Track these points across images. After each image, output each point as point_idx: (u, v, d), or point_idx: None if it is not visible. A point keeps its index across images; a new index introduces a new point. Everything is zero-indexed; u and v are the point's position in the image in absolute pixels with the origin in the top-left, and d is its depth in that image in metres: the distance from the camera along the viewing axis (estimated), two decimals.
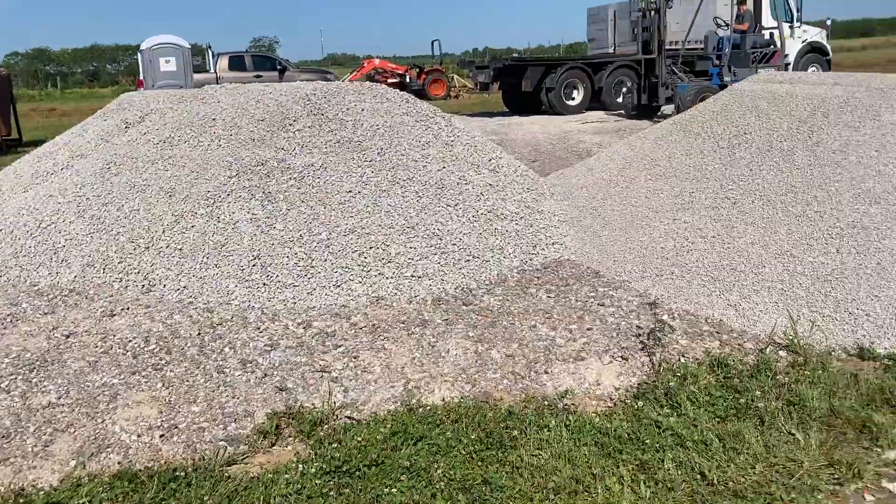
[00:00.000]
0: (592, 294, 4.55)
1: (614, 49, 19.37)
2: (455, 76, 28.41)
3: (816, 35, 20.40)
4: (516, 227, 5.52)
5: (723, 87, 12.78)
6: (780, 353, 3.60)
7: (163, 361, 3.69)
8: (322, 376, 3.59)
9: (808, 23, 20.54)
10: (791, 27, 19.88)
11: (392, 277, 4.75)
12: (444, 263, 4.95)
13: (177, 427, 3.17)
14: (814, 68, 20.29)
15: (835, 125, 4.93)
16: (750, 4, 15.04)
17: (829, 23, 21.96)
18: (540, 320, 4.15)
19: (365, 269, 4.77)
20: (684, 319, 4.07)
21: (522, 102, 18.75)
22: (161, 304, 4.35)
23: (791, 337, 3.62)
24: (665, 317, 4.08)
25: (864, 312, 3.71)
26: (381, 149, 5.73)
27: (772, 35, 15.11)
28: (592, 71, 17.71)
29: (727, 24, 15.13)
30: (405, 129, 6.04)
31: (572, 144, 12.06)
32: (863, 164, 4.56)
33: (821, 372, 3.27)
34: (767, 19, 19.40)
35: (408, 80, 25.58)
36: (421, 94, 25.82)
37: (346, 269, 4.74)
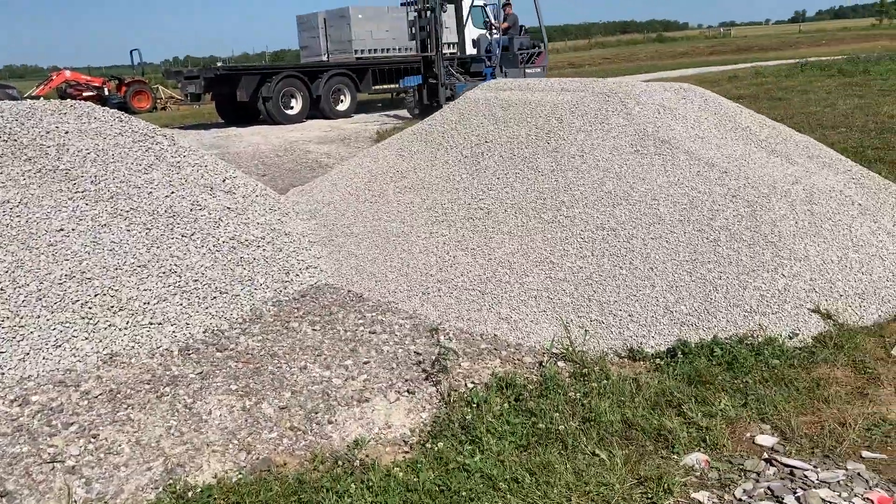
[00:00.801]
0: (361, 321, 4.25)
1: (328, 56, 19.23)
2: (160, 87, 26.50)
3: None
4: (264, 253, 5.04)
5: None
6: (559, 363, 3.57)
7: None
8: (54, 468, 2.89)
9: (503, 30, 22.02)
10: (490, 34, 21.21)
11: (127, 328, 4.06)
12: (187, 304, 4.35)
13: None
14: None
15: (569, 130, 5.10)
16: (513, 9, 16.08)
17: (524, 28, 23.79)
18: (310, 359, 3.76)
19: (91, 321, 4.02)
20: (460, 338, 3.92)
21: (238, 113, 17.94)
22: None
23: (567, 346, 3.61)
24: (441, 337, 3.90)
25: (627, 314, 3.81)
26: (96, 176, 4.93)
27: (534, 37, 16.06)
28: (309, 79, 17.41)
29: (497, 27, 15.99)
30: (122, 153, 5.27)
31: (300, 156, 11.67)
32: (600, 167, 4.75)
33: (605, 381, 3.27)
34: (470, 29, 20.58)
35: (107, 92, 23.34)
36: (123, 108, 23.74)
37: (68, 324, 3.96)
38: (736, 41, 61.58)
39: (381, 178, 5.78)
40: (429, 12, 15.39)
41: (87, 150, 5.13)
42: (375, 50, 18.84)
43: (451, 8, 20.32)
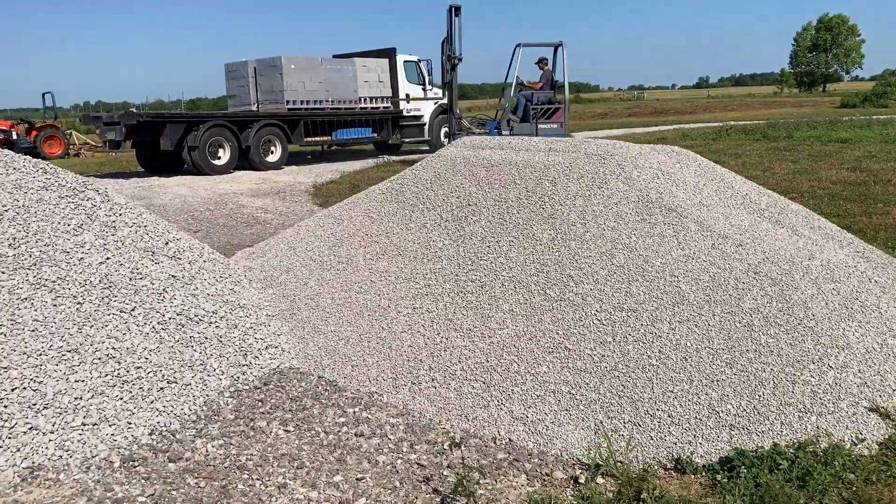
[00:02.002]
0: (342, 419, 3.56)
1: (257, 106, 18.50)
2: (73, 132, 25.06)
3: (445, 97, 21.75)
4: (217, 330, 4.30)
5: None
6: (598, 479, 2.97)
7: None
8: None
9: (439, 86, 21.84)
10: (424, 90, 20.96)
11: (53, 431, 3.25)
12: (128, 398, 3.57)
13: None
14: (445, 128, 21.60)
15: (566, 194, 4.61)
16: (550, 65, 15.00)
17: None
18: (289, 474, 3.04)
19: (6, 424, 3.20)
20: (470, 444, 3.28)
21: (160, 162, 16.95)
22: None
23: (605, 457, 3.03)
24: (445, 443, 3.26)
25: (666, 414, 3.27)
26: (15, 239, 4.12)
27: (555, 93, 14.99)
28: (238, 129, 16.62)
29: (524, 84, 15.06)
30: (46, 210, 4.47)
31: (233, 210, 10.86)
32: (606, 236, 4.25)
33: None
34: (404, 84, 20.27)
35: (15, 136, 21.84)
36: (33, 153, 22.27)
37: None
38: (650, 104, 63.85)
39: (348, 243, 5.14)
40: (451, 69, 15.24)
41: (3, 206, 4.32)
42: (308, 101, 18.22)
43: (385, 62, 20.01)
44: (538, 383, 3.53)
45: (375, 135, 19.86)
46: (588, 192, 4.59)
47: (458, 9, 15.17)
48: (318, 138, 18.59)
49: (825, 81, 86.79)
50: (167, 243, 4.85)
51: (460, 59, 15.58)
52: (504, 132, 14.55)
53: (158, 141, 15.79)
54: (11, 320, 3.65)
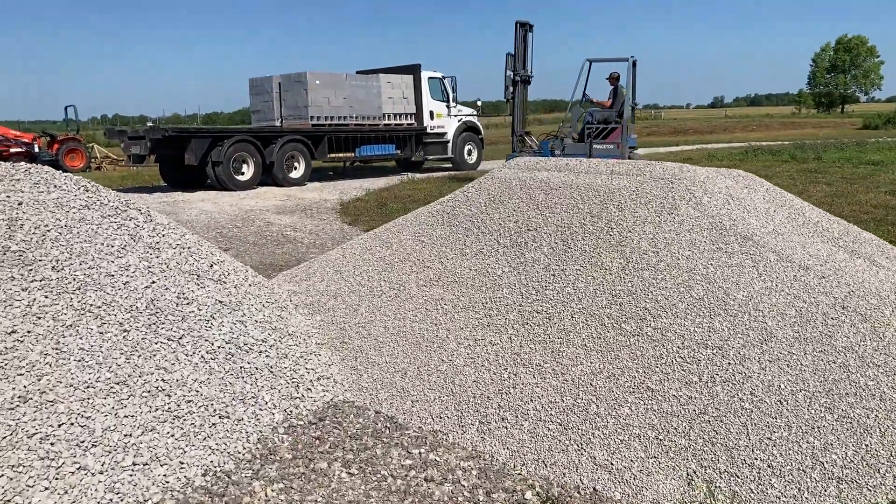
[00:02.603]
0: (408, 461, 3.31)
1: (281, 122, 18.38)
2: (95, 145, 25.05)
3: (470, 115, 21.60)
4: (267, 360, 4.07)
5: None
6: None
7: None
8: None
9: (463, 103, 21.70)
10: (448, 107, 20.80)
11: (103, 472, 3.03)
12: (180, 435, 3.34)
13: None
14: (469, 147, 21.43)
15: (634, 220, 4.37)
16: (622, 81, 14.16)
17: (479, 103, 23.52)
18: None
19: (53, 463, 2.98)
20: (549, 493, 3.03)
21: (183, 177, 16.83)
22: None
23: None
24: (527, 493, 3.00)
25: (766, 464, 3.00)
26: (58, 261, 3.92)
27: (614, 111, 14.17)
28: (262, 144, 16.49)
29: (592, 101, 14.51)
30: (89, 230, 4.28)
31: (261, 227, 10.68)
32: (681, 266, 4.00)
33: None
34: (428, 101, 20.12)
35: (37, 149, 21.81)
36: (55, 166, 22.26)
37: (19, 470, 2.91)
38: (668, 123, 63.58)
39: (399, 268, 4.91)
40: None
41: (45, 226, 4.12)
42: (332, 117, 18.09)
43: (409, 78, 19.88)
44: (621, 427, 3.28)
45: (399, 152, 19.70)
46: (658, 217, 4.35)
47: (530, 26, 14.91)
48: (341, 154, 18.45)
49: (843, 102, 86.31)
50: (212, 266, 4.64)
51: (531, 78, 15.35)
52: (556, 151, 14.19)
53: (182, 156, 15.67)
54: (57, 349, 3.43)
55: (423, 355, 4.10)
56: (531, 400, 3.54)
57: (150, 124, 18.80)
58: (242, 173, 16.30)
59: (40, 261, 3.88)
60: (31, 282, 3.73)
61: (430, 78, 20.35)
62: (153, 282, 4.15)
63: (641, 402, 3.36)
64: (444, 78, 20.76)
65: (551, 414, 3.43)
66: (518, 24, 14.72)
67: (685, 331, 3.64)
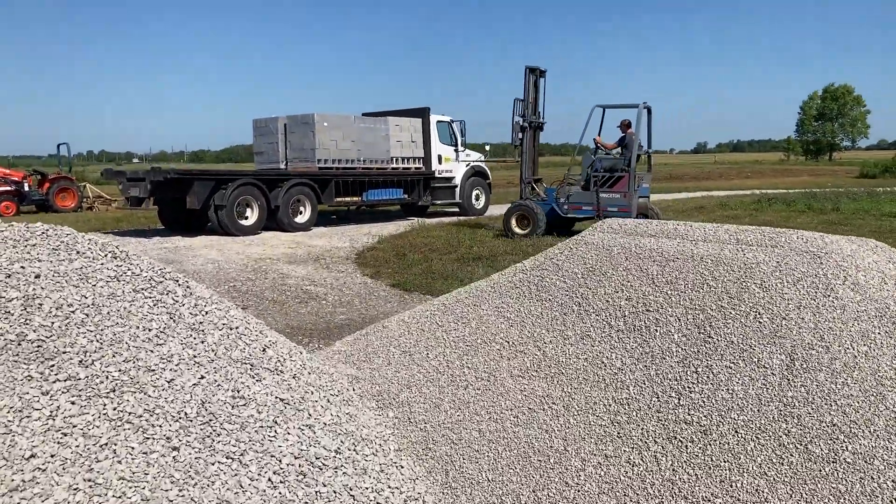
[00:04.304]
0: None
1: (286, 164, 17.66)
2: (88, 185, 24.17)
3: (478, 160, 21.01)
4: (345, 479, 3.24)
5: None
6: None
7: None
8: None
9: (471, 147, 21.11)
10: (456, 151, 20.19)
11: None
12: None
13: None
14: (477, 192, 20.78)
15: (786, 304, 3.61)
16: (634, 128, 13.32)
17: (487, 148, 22.96)
18: None
19: None
20: None
21: (182, 220, 16.02)
22: None
23: None
24: None
25: None
26: (86, 352, 3.10)
27: (623, 158, 13.44)
28: (268, 187, 15.73)
29: (600, 145, 13.89)
30: (121, 309, 3.46)
31: (277, 280, 9.85)
32: (862, 367, 3.23)
33: None
34: (437, 144, 19.50)
35: (27, 188, 20.90)
36: (45, 206, 21.35)
37: None
38: (661, 168, 63.52)
39: (484, 351, 4.11)
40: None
41: (69, 305, 3.31)
42: (340, 160, 17.40)
43: (418, 122, 19.29)
44: None
45: (406, 196, 19.01)
46: (813, 301, 3.59)
47: (542, 72, 14.33)
48: (348, 199, 17.73)
49: (831, 150, 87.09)
50: (265, 350, 3.83)
51: (543, 124, 14.74)
52: (561, 199, 13.60)
53: (184, 198, 14.88)
54: (89, 479, 2.60)
55: (537, 475, 3.28)
56: None
57: (152, 166, 17.97)
58: (246, 218, 15.52)
59: (64, 353, 3.05)
60: (55, 382, 2.91)
61: (438, 121, 19.78)
62: (202, 377, 3.33)
63: None
64: (452, 122, 20.20)
65: None
66: (528, 69, 14.17)
67: (893, 455, 2.86)
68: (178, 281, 3.96)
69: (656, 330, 3.75)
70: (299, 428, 3.36)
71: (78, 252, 3.73)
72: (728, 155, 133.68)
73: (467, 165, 20.34)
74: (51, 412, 2.78)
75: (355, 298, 8.50)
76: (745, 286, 3.76)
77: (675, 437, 3.18)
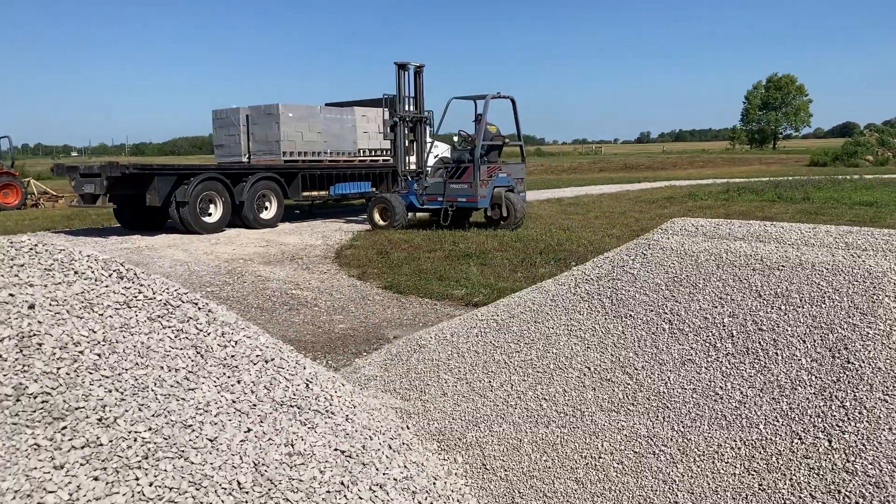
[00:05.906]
0: None
1: (249, 158, 16.76)
2: (32, 181, 22.75)
3: (446, 151, 20.33)
4: None
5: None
6: None
7: None
8: None
9: (438, 138, 20.43)
10: (425, 142, 19.48)
11: None
12: None
13: None
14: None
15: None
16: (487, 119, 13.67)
17: (455, 139, 22.27)
18: None
19: None
20: None
21: (140, 218, 15.03)
22: None
23: None
24: None
25: None
26: (105, 407, 2.40)
27: (472, 149, 13.55)
28: (232, 182, 14.84)
29: (463, 136, 14.49)
30: (138, 344, 2.76)
31: (256, 284, 9.07)
32: None
33: None
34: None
35: None
36: None
37: None
38: (610, 158, 63.78)
39: (561, 380, 3.51)
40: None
41: (76, 343, 2.60)
42: (305, 153, 16.57)
43: (386, 113, 18.54)
44: None
45: (374, 189, 18.26)
46: None
47: (419, 67, 14.75)
48: (315, 193, 16.90)
49: (775, 138, 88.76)
50: (308, 386, 3.16)
51: (423, 118, 15.17)
52: (419, 190, 14.11)
53: (143, 195, 13.90)
54: None
55: None
56: None
57: (108, 160, 16.83)
58: (209, 214, 14.61)
59: (78, 409, 2.35)
60: (70, 451, 2.21)
61: None
62: (248, 429, 2.65)
63: None
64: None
65: None
66: (398, 65, 14.47)
67: None
68: (197, 304, 3.26)
69: (776, 354, 3.19)
70: (370, 489, 2.71)
71: (76, 272, 3.01)
72: (674, 144, 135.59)
73: (436, 157, 19.65)
74: (70, 495, 2.09)
75: (349, 303, 7.81)
76: (876, 300, 3.23)
77: (840, 492, 2.62)
